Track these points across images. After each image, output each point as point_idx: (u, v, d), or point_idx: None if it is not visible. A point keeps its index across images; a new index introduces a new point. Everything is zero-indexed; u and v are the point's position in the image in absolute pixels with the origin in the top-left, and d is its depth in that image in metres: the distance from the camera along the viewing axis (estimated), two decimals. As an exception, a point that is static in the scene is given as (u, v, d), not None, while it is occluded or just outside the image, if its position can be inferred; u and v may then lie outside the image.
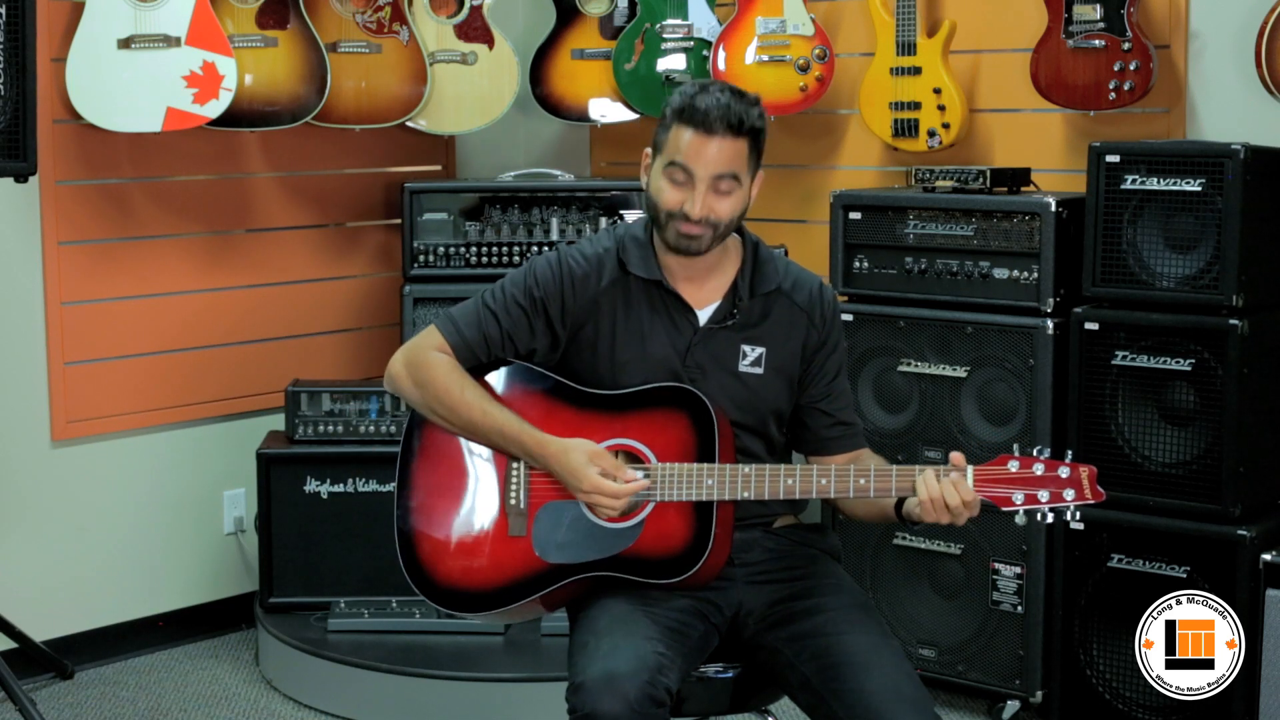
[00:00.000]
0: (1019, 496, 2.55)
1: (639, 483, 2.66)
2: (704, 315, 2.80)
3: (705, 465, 2.66)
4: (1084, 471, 2.55)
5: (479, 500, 2.77)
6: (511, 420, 2.73)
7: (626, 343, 2.78)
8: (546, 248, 4.57)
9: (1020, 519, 2.62)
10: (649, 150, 2.80)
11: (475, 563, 2.75)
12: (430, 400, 2.77)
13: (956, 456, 2.60)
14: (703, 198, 2.68)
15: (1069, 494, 2.54)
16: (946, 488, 2.55)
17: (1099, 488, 2.54)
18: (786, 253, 4.09)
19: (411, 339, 2.86)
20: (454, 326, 2.80)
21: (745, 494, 2.66)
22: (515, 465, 2.75)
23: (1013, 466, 2.56)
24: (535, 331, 2.79)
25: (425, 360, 2.78)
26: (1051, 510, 2.55)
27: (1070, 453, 2.58)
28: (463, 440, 2.79)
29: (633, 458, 2.72)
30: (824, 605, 2.70)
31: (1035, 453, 2.56)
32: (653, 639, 2.57)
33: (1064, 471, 2.55)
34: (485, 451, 2.77)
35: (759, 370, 2.79)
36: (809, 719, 2.67)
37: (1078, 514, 2.56)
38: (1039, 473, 2.55)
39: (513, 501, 2.74)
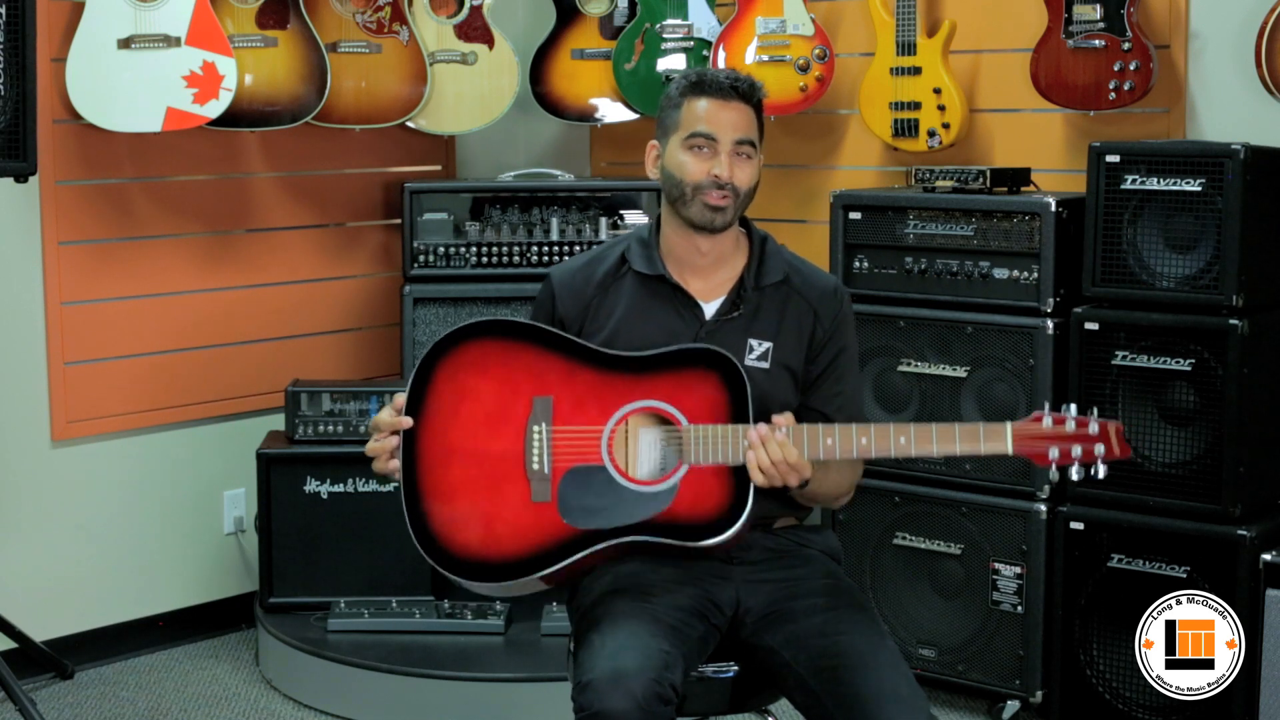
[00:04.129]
0: (1054, 453, 2.58)
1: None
2: (710, 309, 2.81)
3: (740, 426, 2.63)
4: (1112, 427, 2.59)
5: (496, 466, 2.68)
6: None
7: (630, 338, 2.78)
8: (546, 247, 4.57)
9: (1053, 474, 2.65)
10: (654, 142, 2.85)
11: (495, 530, 2.66)
12: None
13: (780, 418, 2.62)
14: (728, 160, 2.73)
15: (1099, 449, 2.58)
16: (774, 450, 2.58)
17: (1125, 442, 2.60)
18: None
19: None
20: None
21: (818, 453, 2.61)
22: (536, 429, 2.67)
23: (1047, 424, 2.59)
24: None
25: None
26: (1082, 466, 2.59)
27: (1095, 409, 2.63)
28: (472, 403, 2.70)
29: (662, 420, 2.68)
30: (821, 606, 2.69)
31: (1064, 410, 2.60)
32: (657, 636, 2.57)
33: (1094, 428, 2.58)
34: (500, 415, 2.69)
35: (765, 365, 2.79)
36: (805, 719, 2.67)
37: (1103, 470, 2.60)
38: (1071, 430, 2.58)
39: (535, 466, 2.67)
